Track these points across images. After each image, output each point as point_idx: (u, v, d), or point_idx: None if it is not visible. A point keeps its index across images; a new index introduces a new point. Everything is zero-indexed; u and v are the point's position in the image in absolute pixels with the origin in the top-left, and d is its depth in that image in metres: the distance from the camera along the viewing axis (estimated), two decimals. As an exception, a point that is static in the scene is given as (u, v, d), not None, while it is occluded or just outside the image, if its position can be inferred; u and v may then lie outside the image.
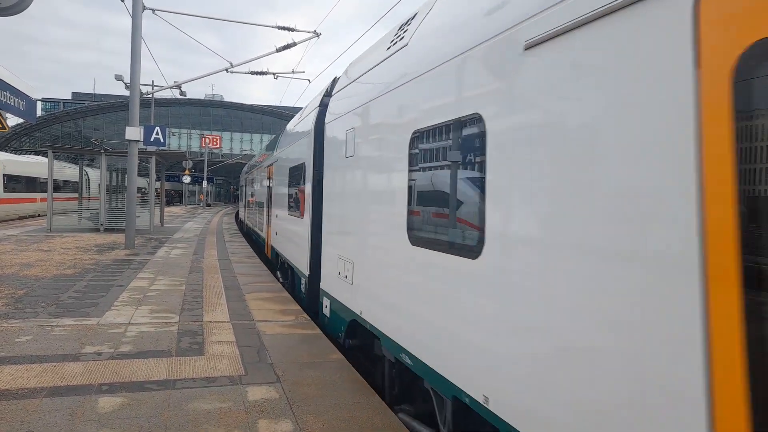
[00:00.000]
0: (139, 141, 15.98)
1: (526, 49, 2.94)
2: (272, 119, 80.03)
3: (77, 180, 35.23)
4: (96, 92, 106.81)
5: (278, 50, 18.02)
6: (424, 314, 4.03)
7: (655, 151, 2.12)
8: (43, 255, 13.54)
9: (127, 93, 16.82)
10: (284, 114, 71.77)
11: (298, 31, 17.91)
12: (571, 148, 2.57)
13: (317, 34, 18.07)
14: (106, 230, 21.42)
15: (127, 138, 15.78)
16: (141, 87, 16.85)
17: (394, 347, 4.68)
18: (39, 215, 32.00)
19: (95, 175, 37.67)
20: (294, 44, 17.99)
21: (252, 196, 22.24)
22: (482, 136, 3.27)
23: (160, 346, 6.17)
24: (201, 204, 65.41)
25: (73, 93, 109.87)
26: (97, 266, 12.03)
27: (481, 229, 3.22)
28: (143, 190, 37.36)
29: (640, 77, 2.21)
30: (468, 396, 3.33)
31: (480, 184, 3.27)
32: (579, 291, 2.48)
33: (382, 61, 5.44)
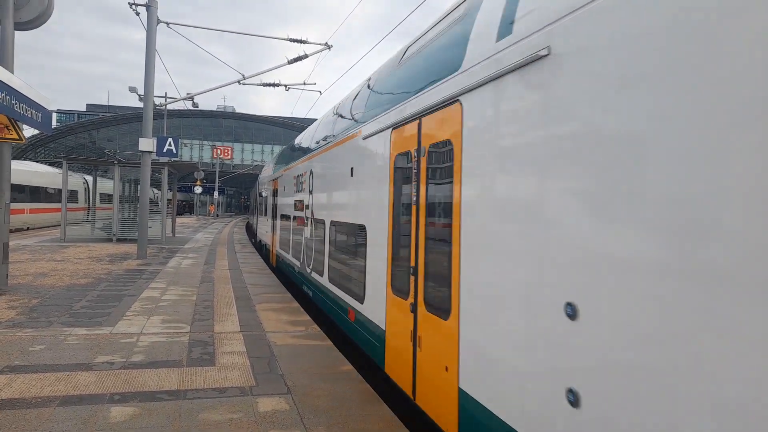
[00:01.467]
0: (152, 152, 16.17)
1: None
2: (283, 130, 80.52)
3: (71, 188, 32.61)
4: (110, 104, 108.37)
5: (290, 62, 18.20)
6: None
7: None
8: (57, 265, 13.68)
9: (140, 105, 17.06)
10: (295, 125, 72.23)
11: (310, 43, 18.09)
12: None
13: (329, 47, 18.24)
14: (119, 240, 21.61)
15: (140, 149, 15.99)
16: (154, 99, 17.07)
17: None
18: (28, 228, 28.80)
19: (99, 184, 36.31)
20: (305, 56, 18.15)
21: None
22: None
23: (171, 356, 6.19)
24: (212, 215, 64.79)
25: (87, 105, 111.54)
26: (109, 276, 12.12)
27: None
28: (154, 200, 36.07)
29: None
30: None
31: None
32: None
33: None
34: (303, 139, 13.01)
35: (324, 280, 8.81)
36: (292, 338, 7.26)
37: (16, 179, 26.63)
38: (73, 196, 33.45)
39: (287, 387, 5.30)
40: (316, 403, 4.91)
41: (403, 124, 5.32)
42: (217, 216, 65.19)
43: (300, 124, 65.60)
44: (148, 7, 15.77)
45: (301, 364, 6.08)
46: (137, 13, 16.15)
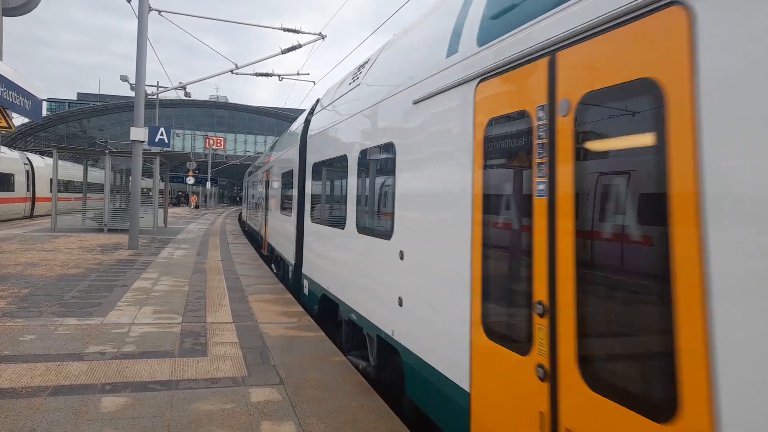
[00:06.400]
0: (143, 142, 16.03)
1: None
2: (276, 121, 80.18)
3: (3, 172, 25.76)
4: (101, 93, 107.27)
5: (283, 52, 18.06)
6: None
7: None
8: (47, 255, 13.57)
9: (132, 94, 16.92)
10: (289, 116, 71.90)
11: (304, 33, 17.95)
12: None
13: (322, 36, 18.11)
14: (110, 231, 21.47)
15: (131, 138, 15.83)
16: (146, 88, 16.90)
17: None
18: None
19: (47, 170, 28.73)
20: (299, 46, 18.02)
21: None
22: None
23: (163, 346, 6.17)
24: (191, 206, 57.36)
25: (78, 93, 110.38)
26: (100, 266, 12.04)
27: None
28: (145, 190, 32.37)
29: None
30: None
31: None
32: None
33: None
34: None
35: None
36: (284, 329, 7.25)
37: None
38: (4, 181, 25.63)
39: (280, 378, 5.30)
40: (309, 393, 4.91)
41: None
42: (197, 207, 57.39)
43: (293, 115, 65.30)
44: (139, -6, 15.56)
45: (294, 355, 6.08)
46: (128, 0, 15.94)
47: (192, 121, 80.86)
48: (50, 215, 21.60)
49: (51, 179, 27.78)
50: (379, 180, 5.58)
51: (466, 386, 3.57)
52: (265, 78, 20.49)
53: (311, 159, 8.90)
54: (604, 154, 2.56)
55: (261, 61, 18.43)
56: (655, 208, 2.22)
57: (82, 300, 8.41)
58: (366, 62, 7.10)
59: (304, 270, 9.11)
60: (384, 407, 4.68)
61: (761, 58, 1.83)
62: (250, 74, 20.56)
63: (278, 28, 17.77)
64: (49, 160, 29.86)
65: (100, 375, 5.09)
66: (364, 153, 6.05)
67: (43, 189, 29.70)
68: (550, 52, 2.92)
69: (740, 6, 1.92)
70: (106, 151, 22.08)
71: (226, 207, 73.45)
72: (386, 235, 5.13)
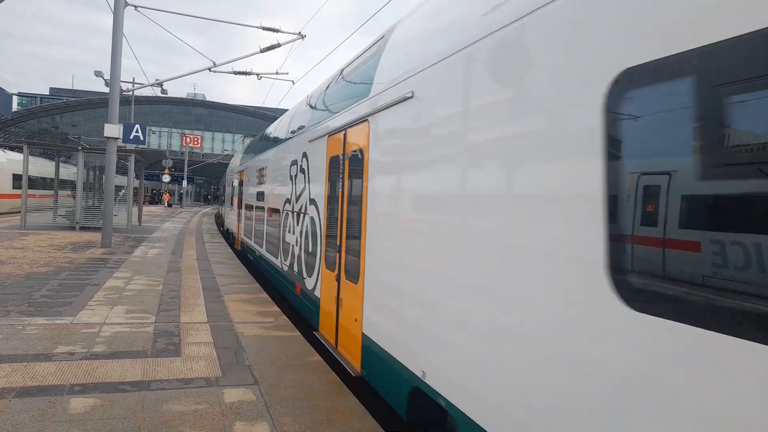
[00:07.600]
0: (118, 138, 15.73)
1: None
2: (254, 120, 79.42)
3: None
4: (75, 88, 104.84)
5: (263, 50, 17.93)
6: None
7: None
8: (16, 252, 13.21)
9: (106, 90, 16.59)
10: (267, 115, 71.33)
11: (283, 32, 17.85)
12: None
13: (302, 36, 18.03)
14: (82, 228, 21.00)
15: (105, 135, 15.53)
16: (121, 84, 16.59)
17: None
18: None
19: (9, 165, 27.80)
20: (279, 45, 17.92)
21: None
22: None
23: (135, 346, 6.06)
24: (163, 204, 55.47)
25: (50, 88, 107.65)
26: (71, 265, 11.78)
27: None
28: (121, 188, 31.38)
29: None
30: None
31: None
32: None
33: None
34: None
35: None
36: (260, 329, 7.20)
37: None
38: None
39: (254, 378, 5.26)
40: (284, 393, 4.89)
41: None
42: (170, 206, 55.02)
43: (272, 114, 64.86)
44: (115, -12, 15.28)
45: (269, 355, 6.04)
46: (104, -5, 15.65)
47: (168, 119, 79.60)
48: (10, 213, 20.99)
49: (13, 174, 27.10)
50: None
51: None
52: (244, 77, 20.30)
53: None
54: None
55: (239, 60, 18.29)
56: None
57: (51, 299, 8.21)
58: None
59: None
60: (359, 407, 4.68)
61: None
62: (229, 72, 20.34)
63: (258, 27, 17.63)
64: (11, 155, 29.16)
65: (69, 376, 4.98)
66: None
67: (3, 185, 27.93)
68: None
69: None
70: (79, 148, 21.58)
71: (203, 206, 72.52)
72: None
